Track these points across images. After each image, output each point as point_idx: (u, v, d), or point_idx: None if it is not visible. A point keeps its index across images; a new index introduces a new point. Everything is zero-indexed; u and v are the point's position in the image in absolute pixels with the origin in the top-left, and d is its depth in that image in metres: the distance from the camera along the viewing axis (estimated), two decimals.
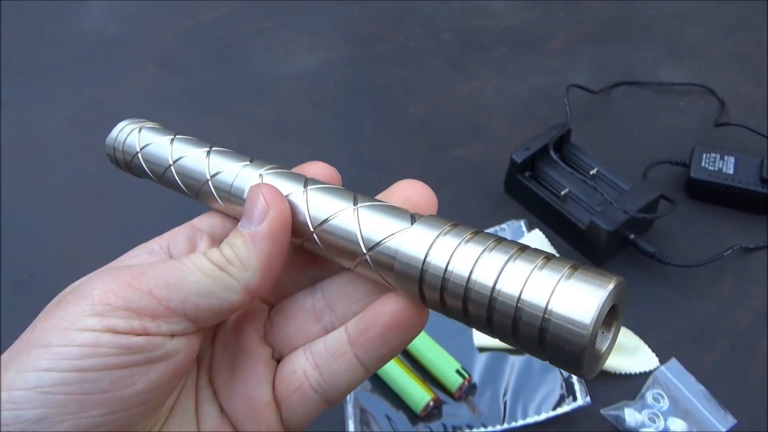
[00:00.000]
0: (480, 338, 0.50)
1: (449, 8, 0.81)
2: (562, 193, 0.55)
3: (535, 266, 0.17)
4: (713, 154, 0.58)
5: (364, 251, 0.20)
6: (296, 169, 0.24)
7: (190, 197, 0.25)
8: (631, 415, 0.45)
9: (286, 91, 0.71)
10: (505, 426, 0.46)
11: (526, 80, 0.71)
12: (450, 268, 0.18)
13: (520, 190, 0.58)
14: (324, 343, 0.22)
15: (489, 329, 0.18)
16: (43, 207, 0.61)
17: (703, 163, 0.57)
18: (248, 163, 0.24)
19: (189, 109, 0.71)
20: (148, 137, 0.26)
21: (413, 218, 0.20)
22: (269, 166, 0.23)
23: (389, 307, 0.20)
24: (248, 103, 0.70)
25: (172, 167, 0.25)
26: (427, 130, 0.67)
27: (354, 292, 0.22)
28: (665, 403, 0.46)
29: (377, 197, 0.22)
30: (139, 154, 0.26)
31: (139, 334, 0.18)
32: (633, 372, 0.48)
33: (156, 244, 0.23)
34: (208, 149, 0.25)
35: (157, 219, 0.58)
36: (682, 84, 0.68)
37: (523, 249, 0.18)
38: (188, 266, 0.20)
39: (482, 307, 0.17)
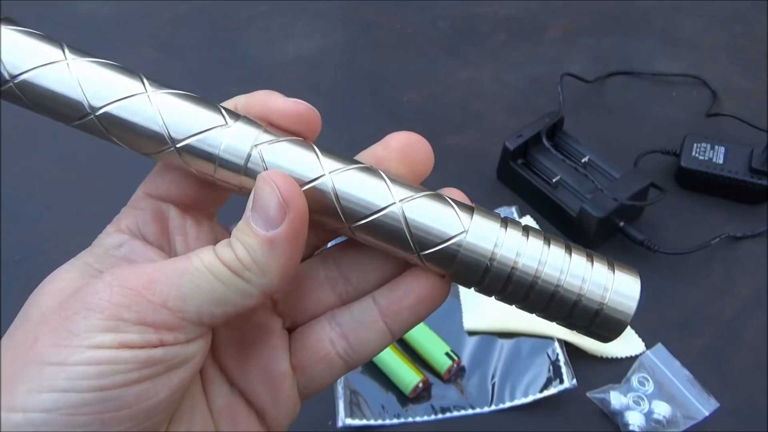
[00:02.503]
0: (469, 322, 0.51)
1: None
2: (554, 180, 0.56)
3: (588, 264, 0.21)
4: (704, 144, 0.59)
5: (417, 251, 0.20)
6: (250, 104, 0.22)
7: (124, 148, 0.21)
8: (616, 398, 0.46)
9: (282, 76, 0.71)
10: (493, 408, 0.47)
11: (523, 69, 0.71)
12: (519, 261, 0.20)
13: (513, 177, 0.59)
14: (351, 314, 0.22)
15: (543, 312, 0.21)
16: (36, 187, 0.62)
17: (693, 153, 0.58)
18: (225, 123, 0.20)
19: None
20: (19, 51, 0.19)
21: (468, 210, 0.21)
22: (262, 131, 0.21)
23: (422, 281, 0.21)
24: (244, 87, 0.69)
25: (94, 117, 0.20)
26: (423, 118, 0.67)
27: (369, 263, 0.23)
28: (650, 387, 0.47)
29: (370, 149, 0.22)
30: (14, 85, 0.19)
31: (156, 347, 0.18)
32: (619, 356, 0.49)
33: (123, 224, 0.22)
34: (142, 87, 0.21)
35: None
36: (676, 75, 0.69)
37: (569, 247, 0.21)
38: (202, 271, 0.19)
39: (545, 296, 0.20)
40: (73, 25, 0.79)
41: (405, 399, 0.47)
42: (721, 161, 0.57)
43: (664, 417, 0.45)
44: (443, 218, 0.20)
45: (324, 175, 0.20)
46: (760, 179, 0.56)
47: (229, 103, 0.22)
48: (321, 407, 0.47)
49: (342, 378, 0.48)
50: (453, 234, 0.20)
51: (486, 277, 0.20)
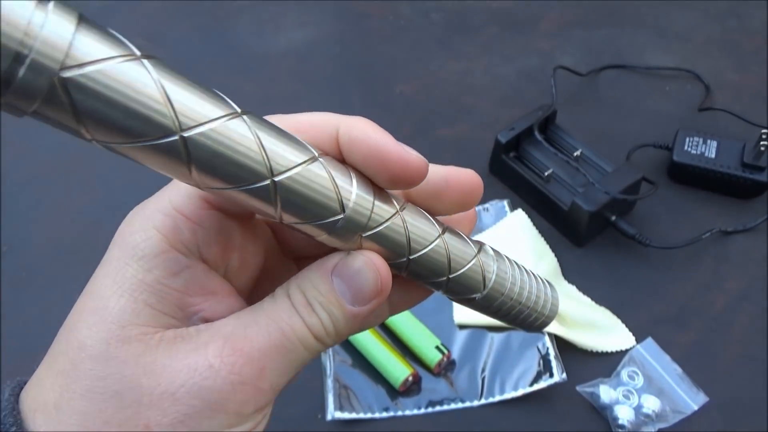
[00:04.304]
0: (460, 315, 0.50)
1: None
2: (546, 173, 0.56)
3: (542, 285, 0.25)
4: (696, 138, 0.58)
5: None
6: (353, 139, 0.21)
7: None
8: (605, 392, 0.46)
9: (273, 67, 0.71)
10: (483, 401, 0.47)
11: (515, 62, 0.71)
12: (514, 298, 0.24)
13: (505, 170, 0.58)
14: None
15: (504, 319, 0.25)
16: (21, 178, 0.61)
17: (685, 147, 0.58)
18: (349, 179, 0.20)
19: None
20: (86, 41, 0.13)
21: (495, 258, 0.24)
22: (377, 194, 0.21)
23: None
24: (235, 78, 0.69)
25: (184, 136, 0.15)
26: (415, 110, 0.66)
27: None
28: (640, 381, 0.47)
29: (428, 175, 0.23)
30: (81, 78, 0.13)
31: (259, 422, 0.20)
32: (609, 350, 0.49)
33: (179, 240, 0.20)
34: (233, 111, 0.17)
35: (136, 190, 0.58)
36: (669, 68, 0.69)
37: (532, 272, 0.25)
38: (296, 345, 0.20)
39: (510, 313, 0.24)
40: None
41: (395, 392, 0.47)
42: (713, 155, 0.57)
43: (653, 411, 0.45)
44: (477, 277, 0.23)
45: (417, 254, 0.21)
46: (751, 174, 0.56)
47: (322, 122, 0.22)
48: (310, 401, 0.47)
49: (332, 371, 0.48)
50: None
51: (492, 308, 0.24)
